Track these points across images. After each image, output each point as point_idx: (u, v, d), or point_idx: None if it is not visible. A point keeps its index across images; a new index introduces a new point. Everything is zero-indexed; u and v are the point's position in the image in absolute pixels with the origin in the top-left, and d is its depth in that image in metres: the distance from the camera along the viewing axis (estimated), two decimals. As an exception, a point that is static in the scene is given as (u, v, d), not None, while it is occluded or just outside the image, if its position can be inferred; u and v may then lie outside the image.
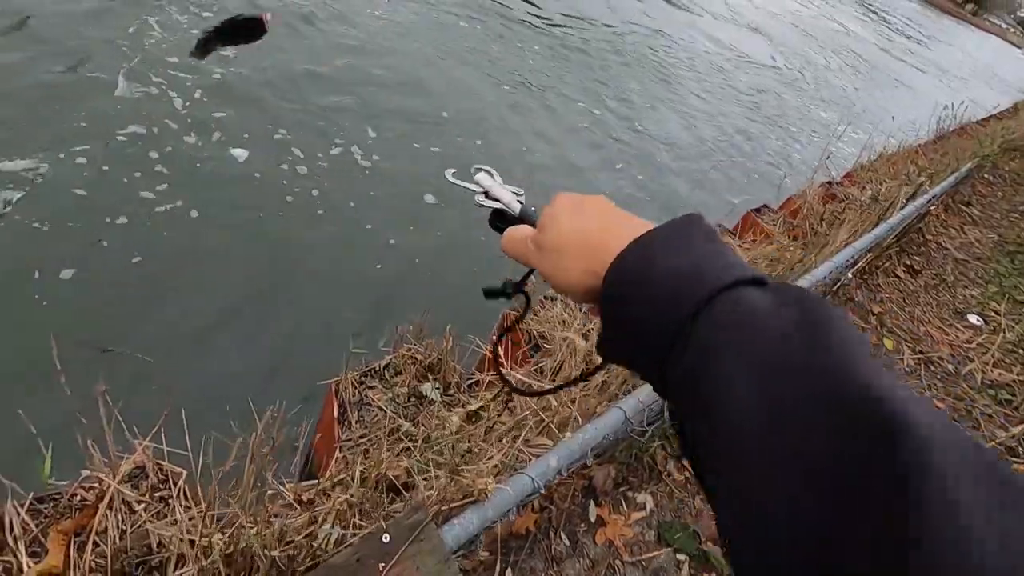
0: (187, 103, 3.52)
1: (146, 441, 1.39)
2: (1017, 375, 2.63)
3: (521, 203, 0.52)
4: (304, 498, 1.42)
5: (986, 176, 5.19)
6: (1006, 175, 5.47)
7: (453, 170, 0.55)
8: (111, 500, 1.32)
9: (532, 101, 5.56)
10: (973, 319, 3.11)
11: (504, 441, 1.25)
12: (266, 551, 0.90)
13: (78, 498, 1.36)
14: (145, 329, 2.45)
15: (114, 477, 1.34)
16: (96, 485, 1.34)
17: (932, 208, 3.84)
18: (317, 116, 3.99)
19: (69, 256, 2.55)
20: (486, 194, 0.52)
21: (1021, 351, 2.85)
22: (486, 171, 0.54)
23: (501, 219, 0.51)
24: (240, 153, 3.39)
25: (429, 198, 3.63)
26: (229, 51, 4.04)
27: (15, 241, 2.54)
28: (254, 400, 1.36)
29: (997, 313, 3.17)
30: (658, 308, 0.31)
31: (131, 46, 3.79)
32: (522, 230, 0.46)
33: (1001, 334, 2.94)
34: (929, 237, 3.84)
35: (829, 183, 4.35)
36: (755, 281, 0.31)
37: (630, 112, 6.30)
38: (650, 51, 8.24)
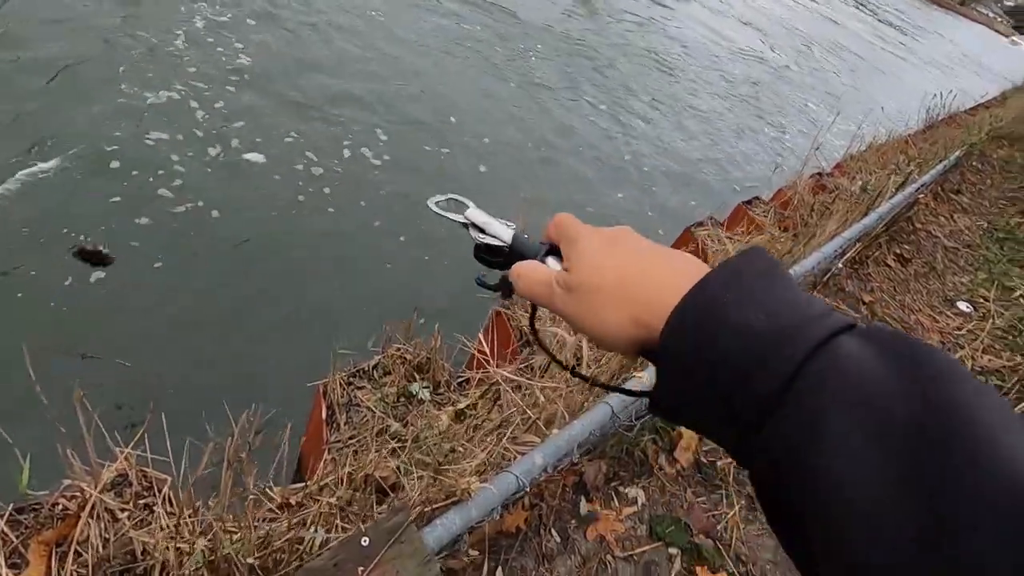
0: (207, 113, 3.66)
1: (129, 448, 1.37)
2: (1007, 361, 2.64)
3: (515, 233, 0.48)
4: (292, 501, 1.40)
5: (975, 164, 5.21)
6: (995, 163, 5.50)
7: (437, 199, 0.51)
8: (93, 508, 1.30)
9: (535, 97, 5.66)
10: (963, 306, 3.12)
11: (489, 439, 1.23)
12: (241, 557, 0.88)
13: (59, 508, 1.34)
14: (139, 334, 2.47)
15: (96, 486, 1.32)
16: (78, 494, 1.32)
17: (921, 197, 3.85)
18: (329, 120, 4.11)
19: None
20: (477, 227, 0.48)
21: (1011, 337, 2.86)
22: (461, 201, 0.51)
23: (491, 252, 0.48)
24: (256, 157, 3.52)
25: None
26: (245, 59, 4.31)
27: (47, 243, 2.60)
28: (245, 404, 1.35)
29: (986, 300, 3.18)
30: (741, 370, 0.28)
31: (155, 55, 3.95)
32: (542, 270, 0.41)
33: (991, 320, 2.95)
34: (919, 225, 3.86)
35: (820, 174, 4.36)
36: (847, 328, 0.28)
37: (632, 105, 6.41)
38: (649, 44, 8.37)
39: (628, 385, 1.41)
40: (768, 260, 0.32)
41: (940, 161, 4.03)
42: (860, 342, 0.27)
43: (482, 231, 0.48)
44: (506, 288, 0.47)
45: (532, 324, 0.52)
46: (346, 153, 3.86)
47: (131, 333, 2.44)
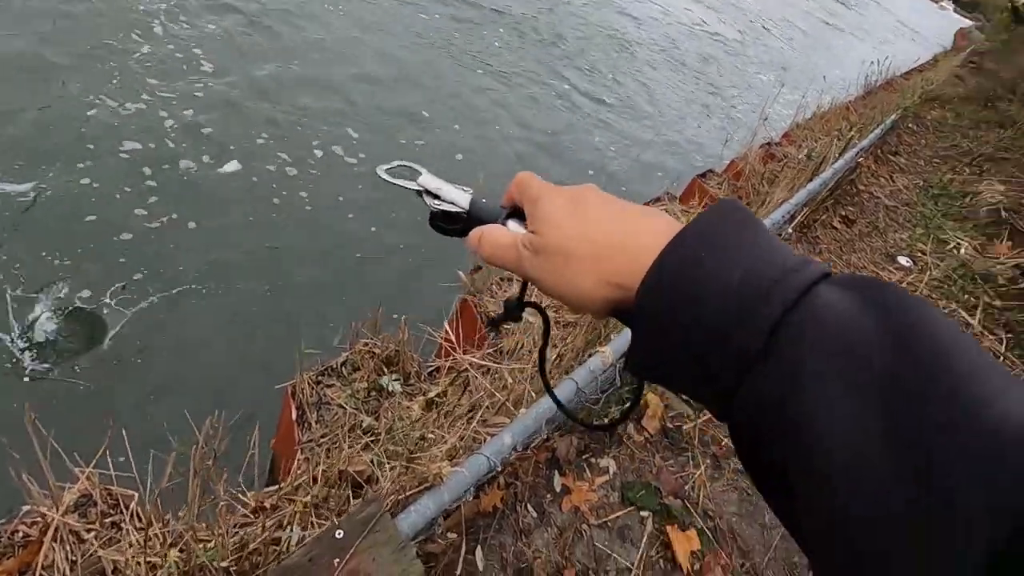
0: (175, 123, 3.61)
1: (90, 468, 1.33)
2: (943, 309, 2.84)
3: (472, 197, 0.45)
4: (267, 504, 1.40)
5: (911, 126, 5.50)
6: (928, 123, 5.81)
7: (386, 166, 0.48)
8: (56, 532, 1.26)
9: (501, 83, 5.72)
10: (903, 261, 3.32)
11: (460, 424, 1.26)
12: (214, 563, 0.88)
13: (20, 535, 1.30)
14: (109, 351, 2.45)
15: (57, 509, 1.28)
16: (39, 519, 1.28)
17: (862, 160, 4.05)
18: (299, 119, 4.09)
19: (83, 279, 2.60)
20: (432, 194, 0.46)
21: (946, 287, 3.07)
22: (413, 167, 0.48)
23: (448, 220, 0.45)
24: (230, 163, 3.50)
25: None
26: (208, 66, 4.20)
27: (25, 267, 2.55)
28: (211, 413, 1.33)
29: (924, 253, 3.40)
30: (719, 329, 0.27)
31: (119, 65, 3.85)
32: (506, 233, 0.39)
33: (928, 272, 3.16)
34: (861, 188, 4.06)
35: (769, 144, 4.51)
36: (823, 277, 0.27)
37: (595, 85, 6.54)
38: (607, 23, 8.48)
39: (591, 361, 1.45)
40: (742, 212, 0.31)
41: (878, 125, 4.23)
42: (837, 291, 0.27)
43: (437, 198, 0.45)
44: (513, 310, 0.45)
45: (542, 363, 0.50)
46: (318, 153, 3.86)
47: (101, 351, 2.41)
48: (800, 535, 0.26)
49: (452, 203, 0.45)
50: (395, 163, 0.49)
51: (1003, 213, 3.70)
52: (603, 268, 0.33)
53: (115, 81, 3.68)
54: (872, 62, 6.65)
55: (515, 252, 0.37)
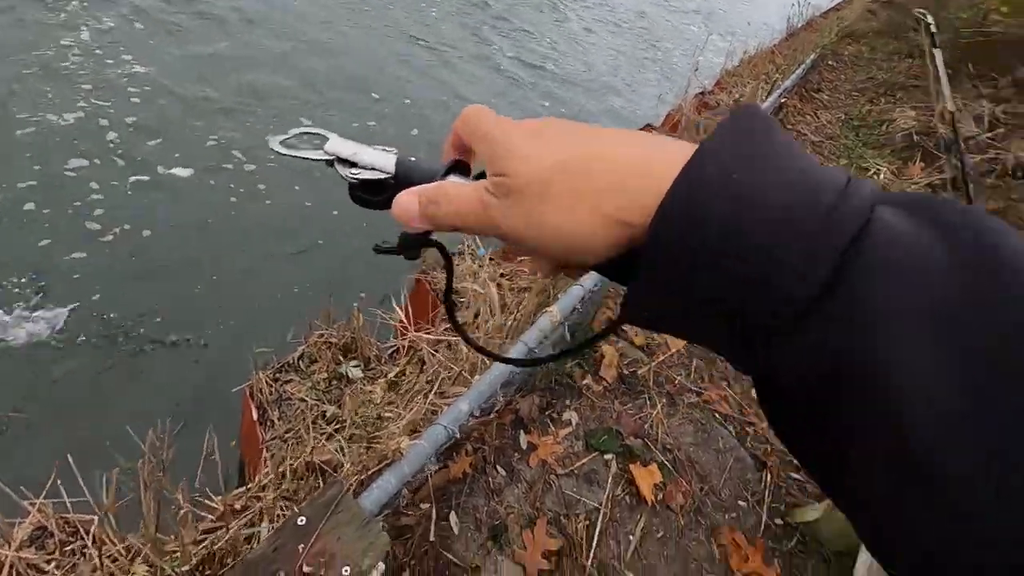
0: (118, 135, 3.42)
1: (40, 500, 1.29)
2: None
3: (398, 158, 0.37)
4: (237, 506, 1.39)
5: (831, 63, 5.73)
6: (846, 59, 6.07)
7: (280, 137, 0.38)
8: (12, 569, 1.23)
9: (444, 55, 5.67)
10: (830, 193, 3.52)
11: (419, 399, 1.28)
12: (179, 570, 0.88)
13: (-28, 578, 1.25)
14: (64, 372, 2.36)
15: (10, 546, 1.24)
16: (-10, 560, 1.24)
17: (787, 100, 4.21)
18: (247, 115, 3.92)
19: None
20: (346, 162, 0.37)
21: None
22: (316, 133, 0.38)
23: (371, 190, 0.37)
24: (180, 169, 3.37)
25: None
26: (140, 68, 3.86)
27: None
28: (183, 422, 1.29)
29: (849, 184, 3.62)
30: (767, 268, 0.22)
31: (47, 75, 3.59)
32: (459, 184, 0.32)
33: (853, 202, 3.37)
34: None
35: (702, 93, 4.61)
36: (877, 200, 0.23)
37: (534, 49, 6.57)
38: None
39: (540, 321, 1.49)
40: (767, 120, 0.25)
41: (799, 65, 4.39)
42: (894, 212, 0.22)
43: (354, 165, 0.37)
44: (411, 246, 0.37)
45: (448, 295, 0.41)
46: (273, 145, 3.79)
47: (53, 377, 2.31)
48: (846, 494, 0.23)
49: (373, 168, 0.37)
50: (293, 131, 0.39)
51: (915, 137, 3.96)
52: (595, 203, 0.26)
53: (50, 94, 3.45)
54: (793, 4, 6.85)
55: (480, 204, 0.29)
